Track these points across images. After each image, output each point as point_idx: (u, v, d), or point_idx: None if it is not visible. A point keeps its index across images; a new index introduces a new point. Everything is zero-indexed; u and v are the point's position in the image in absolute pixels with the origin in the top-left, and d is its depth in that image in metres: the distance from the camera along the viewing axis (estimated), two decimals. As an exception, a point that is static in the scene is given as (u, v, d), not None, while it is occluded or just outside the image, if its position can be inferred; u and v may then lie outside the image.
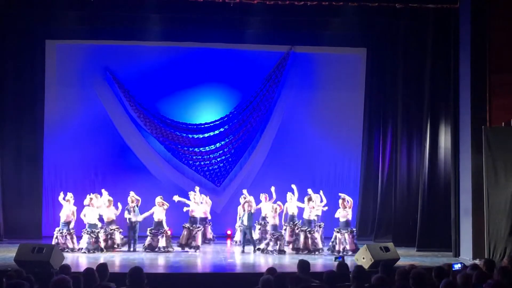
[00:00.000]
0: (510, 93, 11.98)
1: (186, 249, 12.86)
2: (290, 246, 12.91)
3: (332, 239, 12.75)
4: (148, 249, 12.69)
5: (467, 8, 12.31)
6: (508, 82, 12.00)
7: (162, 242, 12.74)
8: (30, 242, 11.26)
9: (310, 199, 12.90)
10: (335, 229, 12.79)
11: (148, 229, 12.92)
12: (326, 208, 13.58)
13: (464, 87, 12.40)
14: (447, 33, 13.06)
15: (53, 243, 12.04)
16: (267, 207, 13.47)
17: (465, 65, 12.38)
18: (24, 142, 14.80)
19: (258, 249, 12.85)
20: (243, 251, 12.88)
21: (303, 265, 7.03)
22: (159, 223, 12.85)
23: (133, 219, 12.94)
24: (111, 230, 12.98)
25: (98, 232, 12.61)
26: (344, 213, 12.69)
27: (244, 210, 13.20)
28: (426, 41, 13.70)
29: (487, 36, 12.09)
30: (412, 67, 14.31)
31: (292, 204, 13.57)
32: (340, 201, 12.89)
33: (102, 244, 12.66)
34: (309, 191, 13.14)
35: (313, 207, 12.88)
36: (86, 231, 12.53)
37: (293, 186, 13.64)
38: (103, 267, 6.57)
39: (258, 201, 14.27)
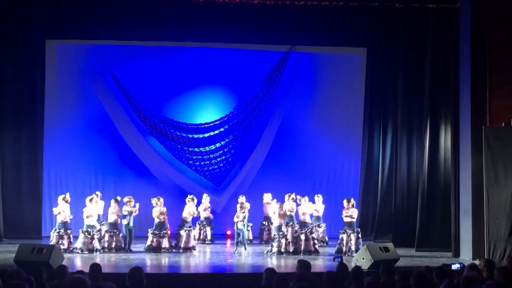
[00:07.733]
0: (510, 93, 11.96)
1: (184, 250, 12.85)
2: (291, 246, 12.88)
3: (339, 240, 12.68)
4: (150, 250, 12.65)
5: (467, 8, 12.31)
6: (508, 82, 11.99)
7: (164, 243, 12.75)
8: (30, 242, 11.26)
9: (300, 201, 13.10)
10: (340, 230, 12.82)
11: (149, 230, 12.90)
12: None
13: (464, 87, 12.38)
14: (447, 33, 13.04)
15: (50, 243, 11.99)
16: (271, 208, 13.45)
17: (465, 65, 12.36)
18: (24, 141, 14.80)
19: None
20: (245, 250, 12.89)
21: (304, 265, 7.02)
22: (161, 224, 12.84)
23: (130, 221, 12.91)
24: (116, 232, 12.83)
25: (94, 233, 12.54)
26: (348, 214, 12.64)
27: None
28: (426, 41, 13.66)
29: (487, 36, 12.08)
30: (412, 67, 14.27)
31: (286, 205, 13.50)
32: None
33: (98, 245, 12.52)
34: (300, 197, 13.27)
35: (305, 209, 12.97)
36: (82, 230, 12.50)
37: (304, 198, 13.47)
38: (96, 267, 6.55)
39: (258, 202, 14.27)
